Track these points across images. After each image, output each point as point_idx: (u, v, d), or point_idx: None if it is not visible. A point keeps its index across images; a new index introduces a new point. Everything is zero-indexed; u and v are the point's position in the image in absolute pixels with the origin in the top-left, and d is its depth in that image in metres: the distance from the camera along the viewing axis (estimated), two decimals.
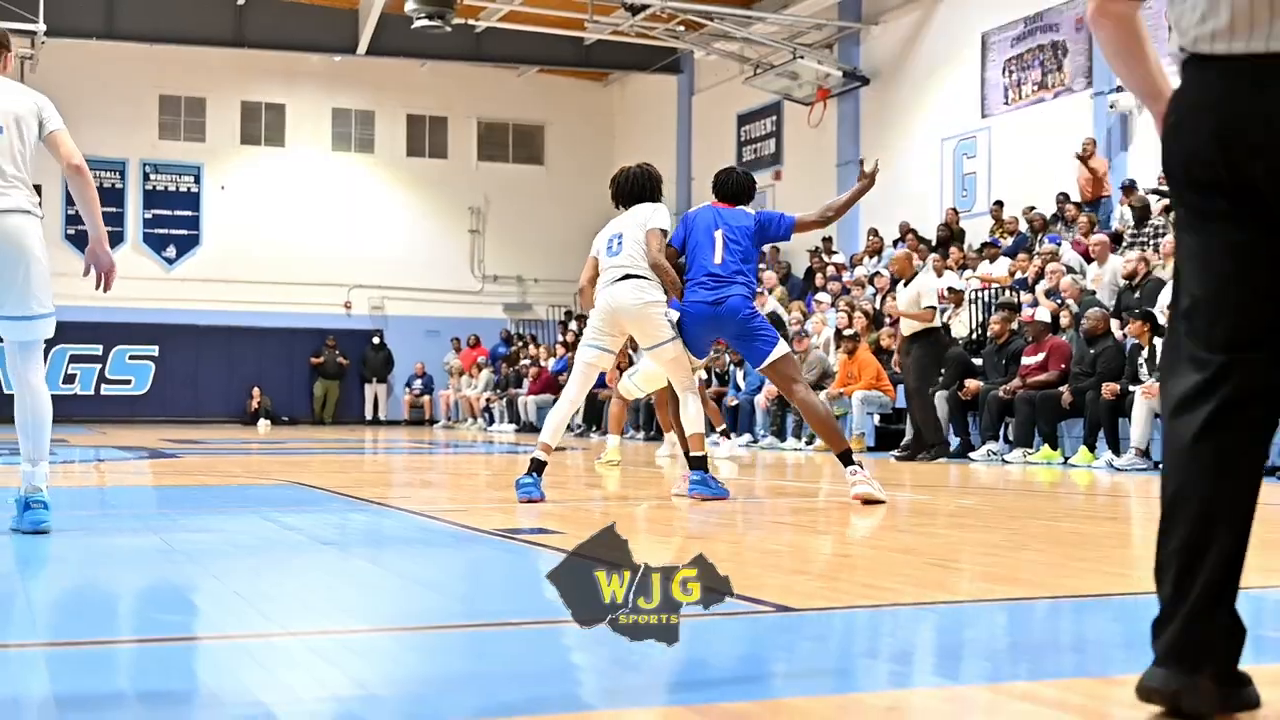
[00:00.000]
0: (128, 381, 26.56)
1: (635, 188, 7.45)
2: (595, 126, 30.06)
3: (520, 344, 26.25)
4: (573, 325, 26.40)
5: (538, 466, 6.85)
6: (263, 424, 25.27)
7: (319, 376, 27.26)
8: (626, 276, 7.21)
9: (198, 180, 27.41)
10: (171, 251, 27.12)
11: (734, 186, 7.54)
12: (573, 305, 28.24)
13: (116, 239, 26.58)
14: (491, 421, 24.60)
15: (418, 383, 27.90)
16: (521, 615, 3.54)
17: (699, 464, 7.00)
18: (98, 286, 5.40)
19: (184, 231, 27.23)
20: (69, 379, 26.04)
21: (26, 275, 5.08)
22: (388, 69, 27.41)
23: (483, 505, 6.71)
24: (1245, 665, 2.31)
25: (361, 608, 3.76)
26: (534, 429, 22.55)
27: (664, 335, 7.16)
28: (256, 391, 26.46)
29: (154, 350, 26.57)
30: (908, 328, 12.74)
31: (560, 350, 23.87)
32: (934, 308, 12.77)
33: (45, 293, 5.19)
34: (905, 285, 12.72)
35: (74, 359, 26.05)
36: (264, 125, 27.96)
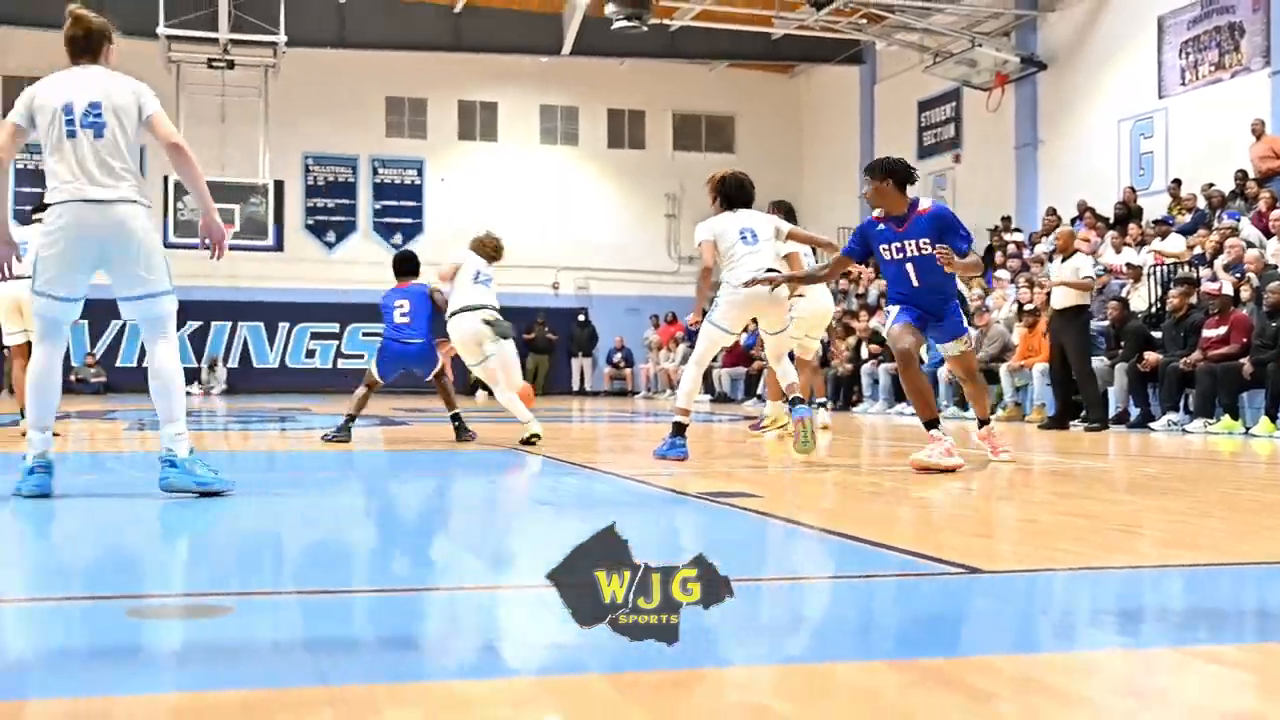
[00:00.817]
0: (360, 356, 27.36)
1: (746, 194, 7.78)
2: (782, 116, 29.85)
3: None
4: None
5: (679, 429, 7.36)
6: (480, 395, 25.80)
7: (530, 351, 27.69)
8: (770, 269, 7.54)
9: (420, 174, 28.09)
10: (398, 239, 27.83)
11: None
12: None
13: (349, 228, 27.45)
14: None
15: (619, 356, 28.17)
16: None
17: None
18: (212, 255, 5.29)
19: (408, 220, 27.95)
20: (310, 354, 27.07)
21: (136, 258, 5.03)
22: (590, 68, 27.64)
23: (684, 471, 6.74)
24: (1263, 642, 2.19)
25: None
26: (728, 399, 22.58)
27: (785, 323, 7.85)
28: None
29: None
30: (1059, 302, 12.48)
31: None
32: (1091, 278, 12.52)
33: (159, 273, 5.12)
34: (1064, 260, 12.47)
35: (314, 336, 27.08)
36: (479, 122, 28.48)
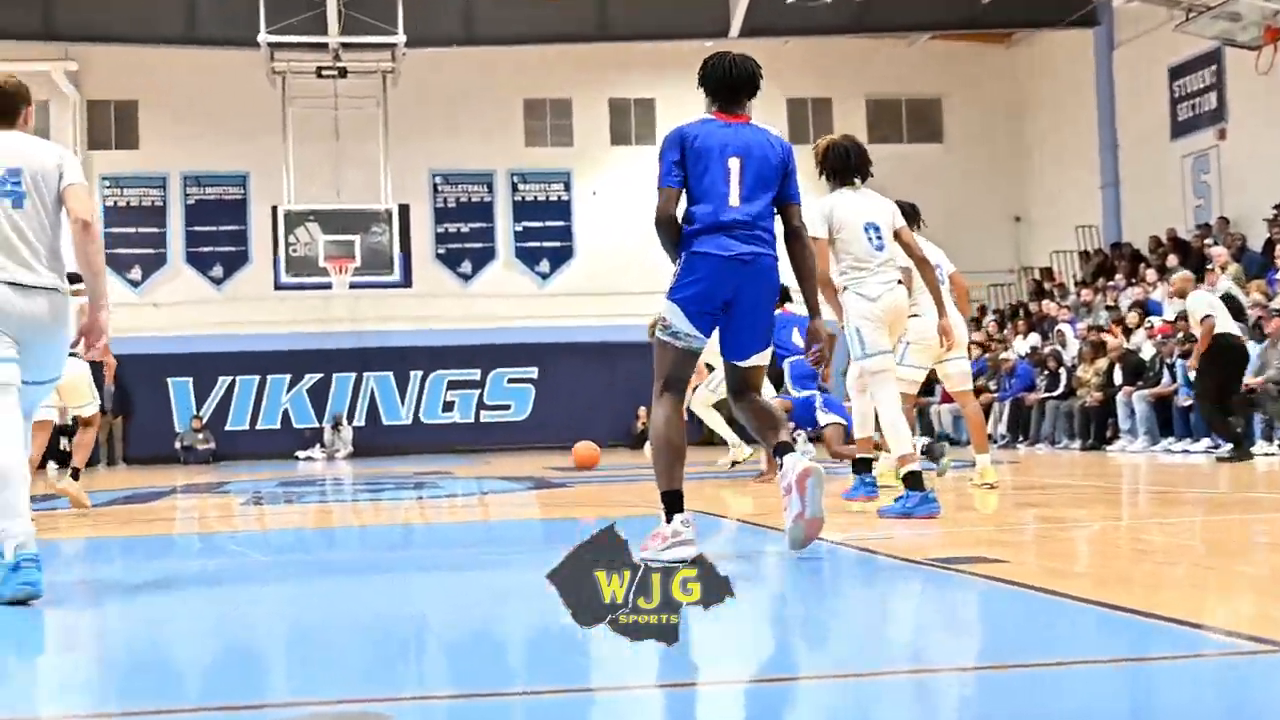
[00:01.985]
0: (507, 407, 27.81)
1: (862, 161, 7.85)
2: (1000, 95, 29.49)
3: None
4: (989, 319, 25.96)
5: (915, 480, 7.21)
6: (649, 447, 25.90)
7: None
8: (900, 281, 7.69)
9: (567, 187, 28.45)
10: (545, 266, 28.25)
11: None
12: (987, 296, 27.74)
13: (488, 256, 27.90)
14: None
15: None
16: (984, 659, 3.50)
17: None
18: (85, 354, 5.50)
19: (556, 243, 28.30)
20: (448, 406, 27.51)
21: (52, 348, 5.36)
22: (762, 51, 27.57)
23: (906, 531, 6.64)
24: None
25: (807, 656, 3.79)
26: (952, 440, 22.27)
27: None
28: (642, 411, 27.13)
29: (533, 372, 27.68)
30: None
31: (975, 351, 23.48)
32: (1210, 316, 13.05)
33: (64, 359, 5.53)
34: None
35: (451, 385, 27.51)
36: (633, 122, 28.74)
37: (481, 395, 27.70)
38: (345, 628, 4.41)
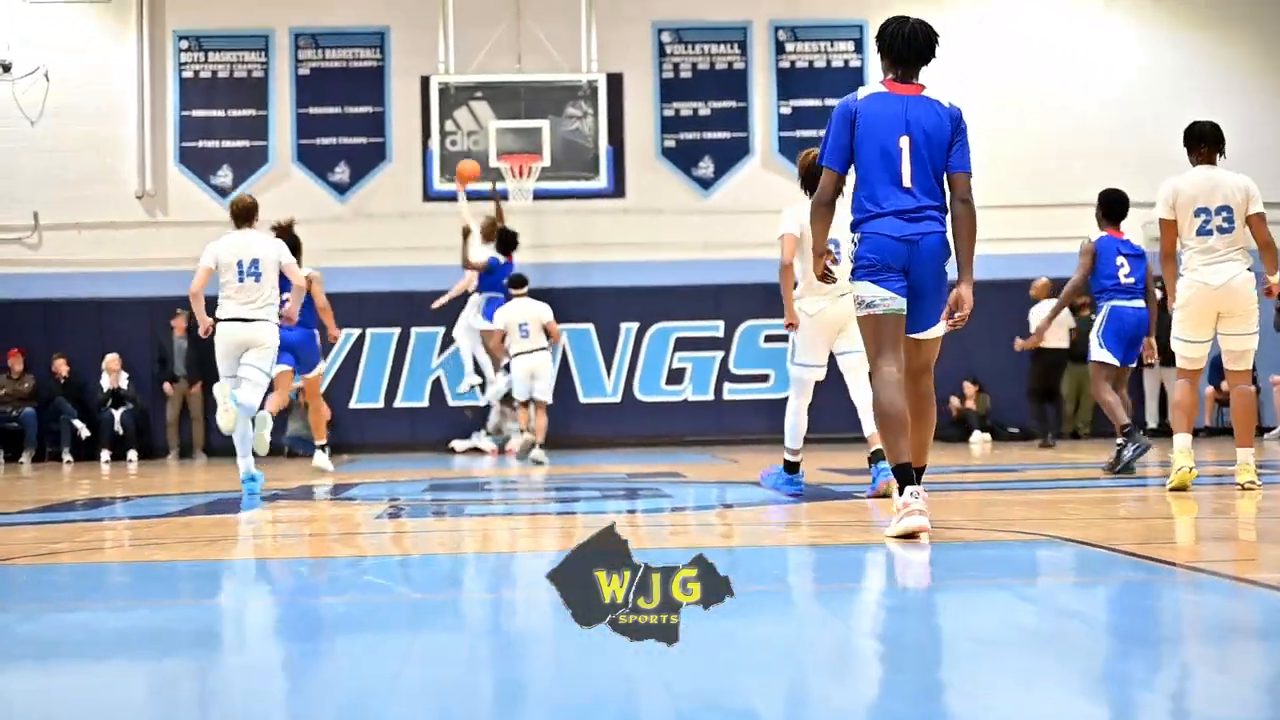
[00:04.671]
0: (763, 378, 27.44)
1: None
2: None
3: None
4: None
5: None
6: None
7: None
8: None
9: (859, 47, 28.04)
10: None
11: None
12: None
13: (740, 150, 27.71)
14: None
15: None
16: None
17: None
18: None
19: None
20: (675, 376, 27.25)
21: (264, 356, 14.38)
22: None
23: None
24: None
25: None
26: None
27: None
28: (969, 389, 26.78)
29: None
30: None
31: None
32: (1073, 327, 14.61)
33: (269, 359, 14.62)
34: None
35: (682, 343, 27.13)
36: None
37: (726, 360, 27.52)
38: (537, 699, 4.45)
